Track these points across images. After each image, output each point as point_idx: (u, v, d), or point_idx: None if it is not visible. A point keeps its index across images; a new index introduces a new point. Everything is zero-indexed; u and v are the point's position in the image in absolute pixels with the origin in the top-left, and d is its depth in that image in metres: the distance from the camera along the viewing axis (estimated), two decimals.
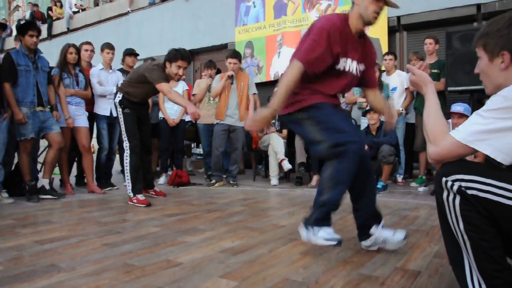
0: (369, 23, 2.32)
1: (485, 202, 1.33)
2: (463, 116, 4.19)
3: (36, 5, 15.45)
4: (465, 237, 1.37)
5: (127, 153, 4.14)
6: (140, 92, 4.19)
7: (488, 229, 1.34)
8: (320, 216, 2.23)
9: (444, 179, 1.40)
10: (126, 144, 4.16)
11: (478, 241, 1.35)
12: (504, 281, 1.34)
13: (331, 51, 2.24)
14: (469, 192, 1.34)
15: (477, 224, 1.35)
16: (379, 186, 4.80)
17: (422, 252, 2.34)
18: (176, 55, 4.07)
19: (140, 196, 4.07)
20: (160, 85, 3.97)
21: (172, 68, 4.07)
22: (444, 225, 1.47)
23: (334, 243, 2.18)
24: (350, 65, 2.36)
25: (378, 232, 2.33)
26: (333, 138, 2.20)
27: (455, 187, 1.36)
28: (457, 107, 4.22)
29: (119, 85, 5.35)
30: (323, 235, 2.20)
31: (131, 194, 4.08)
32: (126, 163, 4.15)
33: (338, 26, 2.28)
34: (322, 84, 2.34)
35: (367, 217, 2.36)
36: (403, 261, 2.17)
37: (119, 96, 4.21)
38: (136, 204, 3.99)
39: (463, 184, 1.35)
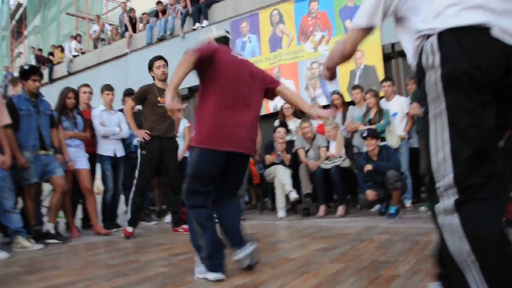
0: None
1: None
2: None
3: (40, 49, 15.73)
4: None
5: (133, 189, 4.53)
6: (148, 121, 4.49)
7: None
8: None
9: None
10: (135, 181, 4.51)
11: None
12: None
13: None
14: None
15: None
16: (392, 211, 4.73)
17: None
18: (154, 58, 4.63)
19: (128, 228, 4.49)
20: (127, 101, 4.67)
21: (154, 70, 4.57)
22: None
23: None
24: None
25: None
26: None
27: None
28: None
29: (121, 125, 5.39)
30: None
31: (126, 224, 4.54)
32: (131, 197, 4.53)
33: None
34: None
35: None
36: None
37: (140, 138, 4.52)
38: (122, 234, 4.52)
39: None
